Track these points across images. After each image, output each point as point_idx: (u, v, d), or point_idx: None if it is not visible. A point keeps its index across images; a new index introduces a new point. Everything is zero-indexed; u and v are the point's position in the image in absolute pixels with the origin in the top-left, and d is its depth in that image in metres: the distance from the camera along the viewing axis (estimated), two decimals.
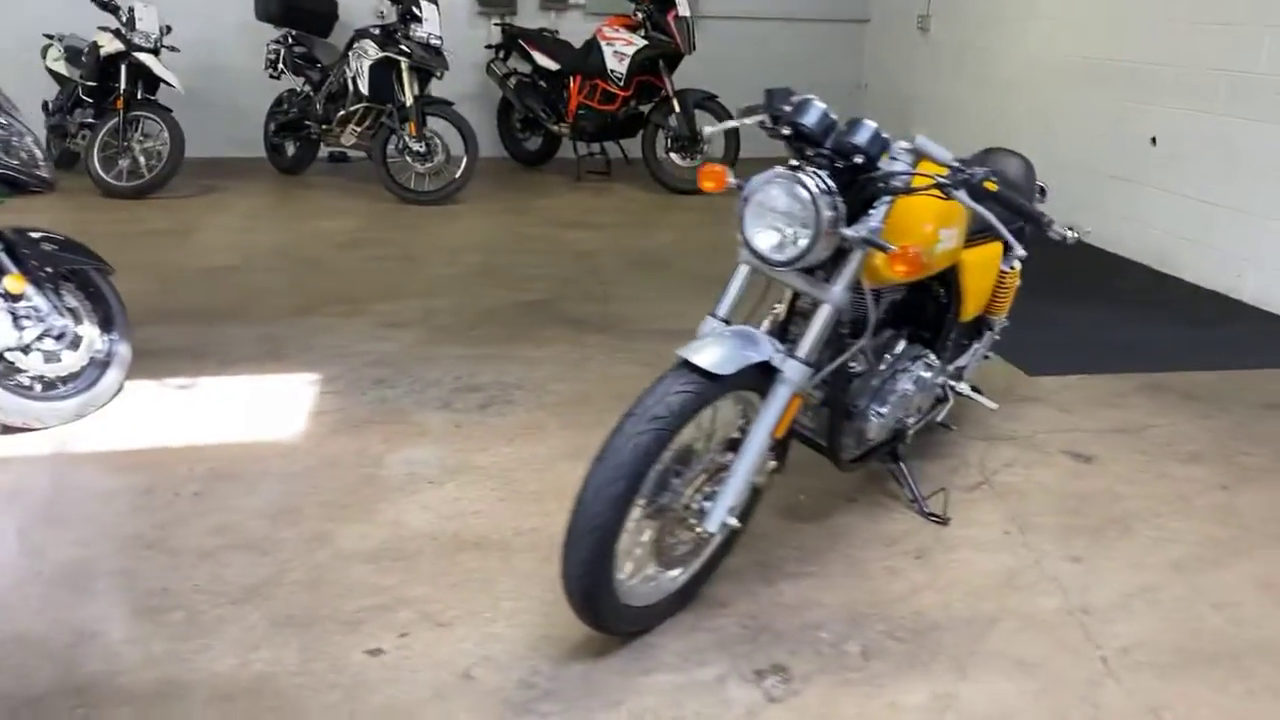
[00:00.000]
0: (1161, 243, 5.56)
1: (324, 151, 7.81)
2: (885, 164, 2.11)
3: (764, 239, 2.09)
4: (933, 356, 2.72)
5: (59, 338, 3.27)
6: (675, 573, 2.27)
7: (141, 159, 6.81)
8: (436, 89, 7.17)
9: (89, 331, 3.37)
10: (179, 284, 4.92)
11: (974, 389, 3.01)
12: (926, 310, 2.78)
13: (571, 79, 7.57)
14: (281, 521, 2.74)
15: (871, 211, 2.11)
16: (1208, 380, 3.96)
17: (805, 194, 1.99)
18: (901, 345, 2.67)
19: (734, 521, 2.16)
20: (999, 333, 3.23)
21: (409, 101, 6.77)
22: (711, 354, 2.03)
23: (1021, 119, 6.76)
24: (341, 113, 7.09)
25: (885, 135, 2.09)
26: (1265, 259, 4.89)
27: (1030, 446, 3.31)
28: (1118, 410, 3.63)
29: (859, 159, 2.07)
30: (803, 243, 2.03)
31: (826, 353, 2.23)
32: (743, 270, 2.25)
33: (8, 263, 3.13)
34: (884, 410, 2.57)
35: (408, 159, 6.84)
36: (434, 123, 6.92)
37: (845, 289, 2.16)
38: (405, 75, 6.72)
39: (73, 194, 6.86)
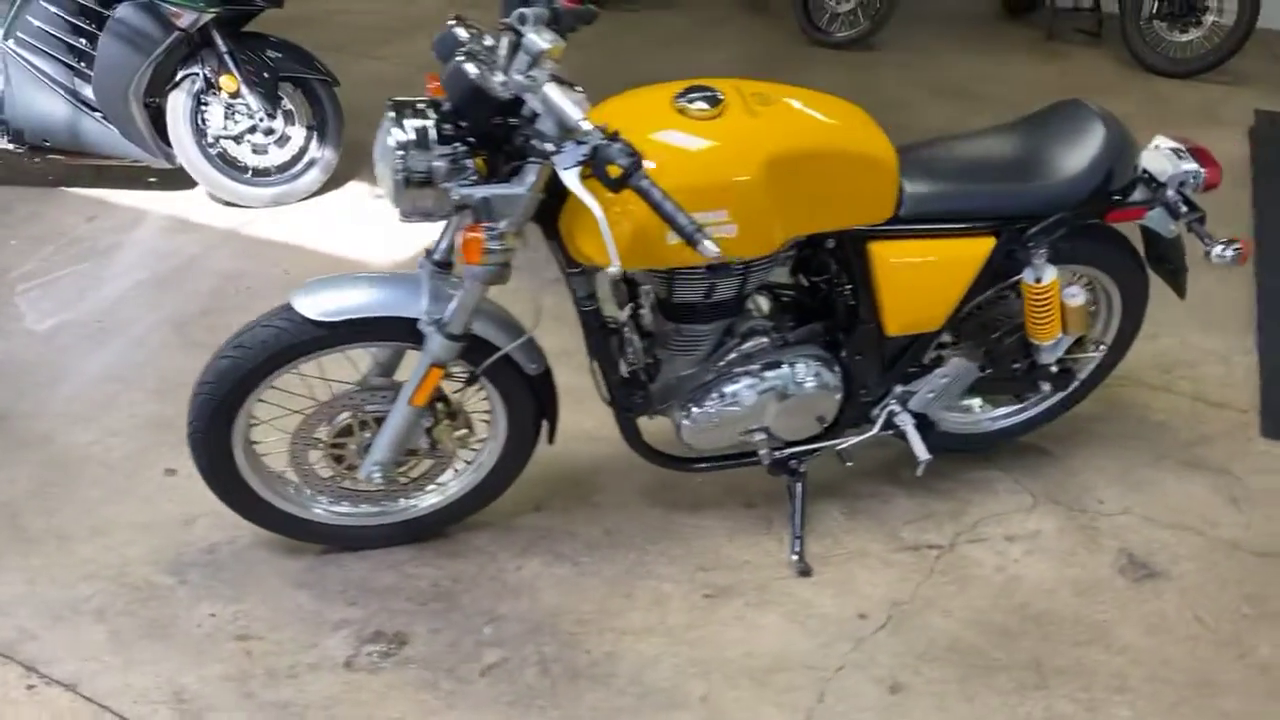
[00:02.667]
0: None
1: None
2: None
3: (380, 181, 1.76)
4: (810, 366, 2.07)
5: (268, 134, 3.86)
6: (381, 506, 2.18)
7: None
8: None
9: (297, 133, 3.92)
10: None
11: (921, 421, 2.23)
12: (836, 309, 2.10)
13: None
14: None
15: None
16: None
17: (390, 138, 1.63)
18: (756, 341, 2.07)
19: (377, 476, 2.00)
20: (1078, 365, 2.33)
21: None
22: (322, 296, 1.83)
23: None
24: None
25: (482, 82, 1.58)
26: None
27: (1084, 525, 2.37)
28: None
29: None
30: (389, 192, 1.68)
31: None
32: None
33: (230, 65, 3.73)
34: (696, 414, 2.07)
35: None
36: None
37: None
38: None
39: None
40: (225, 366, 1.87)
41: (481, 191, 1.65)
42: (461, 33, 1.66)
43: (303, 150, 3.94)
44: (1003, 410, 2.50)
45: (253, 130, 3.82)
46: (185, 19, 3.52)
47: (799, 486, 2.29)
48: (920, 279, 2.01)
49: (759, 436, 2.13)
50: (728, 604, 2.14)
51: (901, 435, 2.22)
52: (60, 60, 3.62)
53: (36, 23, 3.56)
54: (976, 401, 2.49)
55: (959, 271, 2.02)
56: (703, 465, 2.21)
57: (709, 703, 1.92)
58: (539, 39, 1.68)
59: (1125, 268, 2.27)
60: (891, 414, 2.21)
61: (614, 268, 1.51)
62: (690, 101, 1.75)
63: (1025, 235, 2.02)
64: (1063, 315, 2.19)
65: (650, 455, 2.17)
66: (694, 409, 2.07)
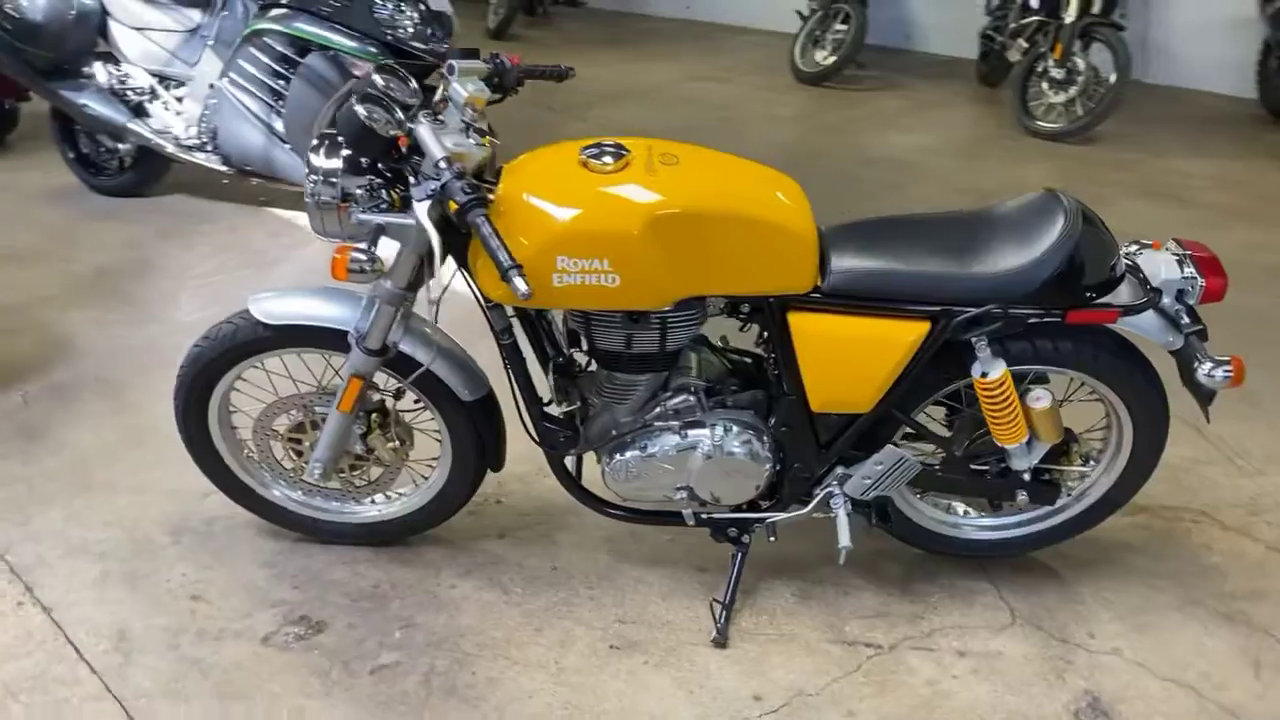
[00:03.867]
0: None
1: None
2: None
3: None
4: (737, 431, 2.05)
5: None
6: (341, 505, 2.37)
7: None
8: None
9: None
10: None
11: (880, 510, 2.12)
12: (767, 376, 2.07)
13: None
14: None
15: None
16: None
17: (309, 164, 1.82)
18: (683, 398, 2.07)
19: (317, 473, 2.18)
20: (1064, 479, 2.15)
21: (1070, 18, 5.93)
22: (273, 302, 2.05)
23: None
24: (1012, 25, 6.54)
25: (370, 122, 1.71)
26: None
27: (1057, 657, 2.14)
28: None
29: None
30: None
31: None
32: None
33: None
34: (617, 462, 2.10)
35: (1043, 85, 6.08)
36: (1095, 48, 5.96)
37: (397, 287, 1.90)
38: None
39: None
40: (195, 354, 2.14)
41: (376, 218, 1.81)
42: (378, 79, 1.83)
43: None
44: (992, 519, 2.32)
45: None
46: (361, 68, 4.00)
47: (739, 556, 2.24)
48: (842, 355, 1.94)
49: (681, 495, 2.12)
50: (628, 658, 2.13)
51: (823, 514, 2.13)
52: (260, 98, 4.21)
53: (246, 65, 4.18)
54: (960, 504, 2.33)
55: (886, 353, 1.93)
56: (618, 512, 2.22)
57: None
58: (461, 88, 1.84)
59: (1123, 378, 2.06)
60: (829, 495, 2.13)
61: (434, 295, 1.62)
62: (596, 156, 1.83)
63: (956, 324, 1.90)
64: (1029, 419, 2.02)
65: (578, 493, 2.22)
66: (617, 456, 2.10)
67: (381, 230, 1.83)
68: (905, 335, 1.92)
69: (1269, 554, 2.49)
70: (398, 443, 2.23)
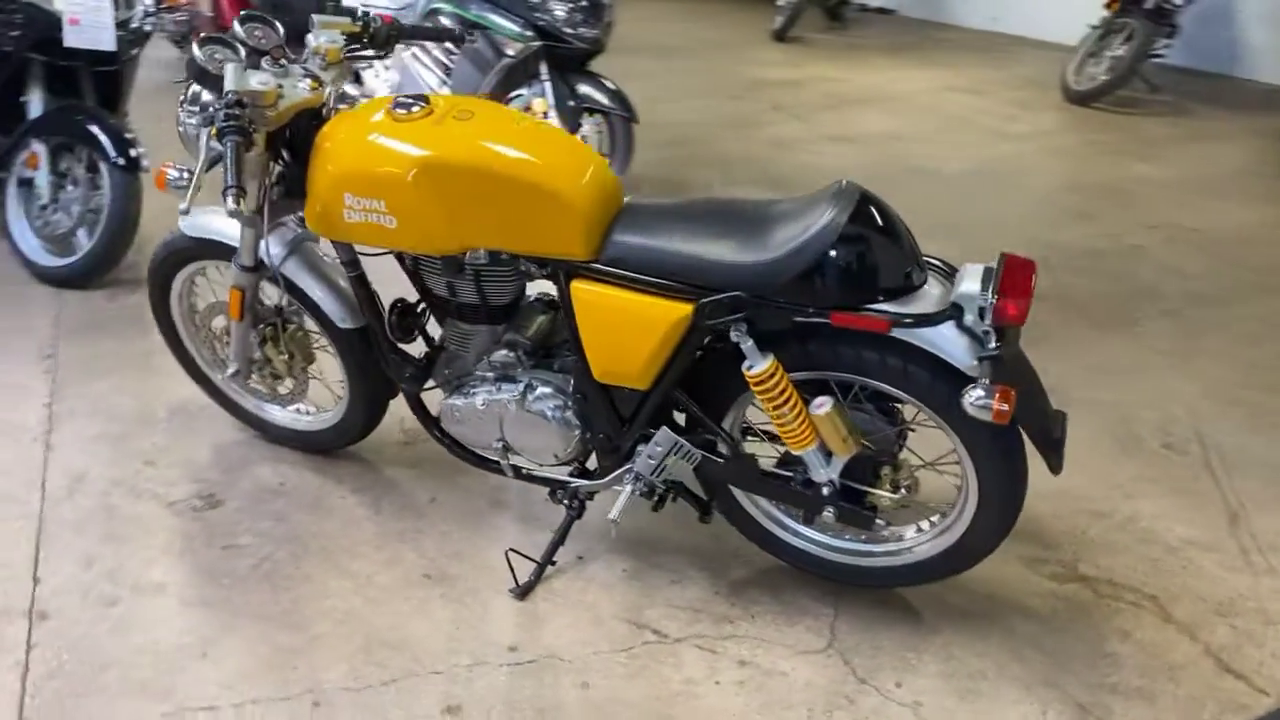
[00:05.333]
0: None
1: None
2: None
3: None
4: (545, 393, 2.10)
5: None
6: (271, 407, 2.69)
7: None
8: None
9: None
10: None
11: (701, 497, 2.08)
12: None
13: None
14: None
15: None
16: None
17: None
18: (505, 354, 2.14)
19: (230, 372, 2.49)
20: (878, 503, 2.00)
21: None
22: (194, 219, 2.36)
23: None
24: None
25: (207, 65, 1.93)
26: None
27: (844, 694, 1.98)
28: None
29: None
30: None
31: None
32: None
33: (546, 90, 4.48)
34: (446, 405, 2.23)
35: None
36: None
37: (249, 210, 2.13)
38: None
39: None
40: (152, 258, 2.52)
41: (215, 145, 2.07)
42: (238, 28, 2.08)
43: None
44: (829, 538, 2.17)
45: None
46: (511, 48, 4.35)
47: (567, 520, 2.28)
48: (613, 326, 1.92)
49: (498, 446, 2.20)
50: (430, 589, 2.25)
51: (654, 493, 2.12)
52: (432, 70, 4.68)
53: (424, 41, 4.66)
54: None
55: (651, 330, 1.88)
56: (447, 444, 2.32)
57: (315, 641, 2.09)
58: (314, 39, 2.06)
59: (942, 400, 1.85)
60: (628, 470, 2.10)
61: (182, 207, 1.84)
62: (401, 107, 1.97)
63: (703, 307, 1.81)
64: (814, 426, 1.89)
65: (424, 420, 2.36)
66: (449, 400, 2.23)
67: (212, 154, 2.08)
68: (669, 315, 1.87)
69: (1202, 658, 2.09)
70: (288, 355, 2.49)
